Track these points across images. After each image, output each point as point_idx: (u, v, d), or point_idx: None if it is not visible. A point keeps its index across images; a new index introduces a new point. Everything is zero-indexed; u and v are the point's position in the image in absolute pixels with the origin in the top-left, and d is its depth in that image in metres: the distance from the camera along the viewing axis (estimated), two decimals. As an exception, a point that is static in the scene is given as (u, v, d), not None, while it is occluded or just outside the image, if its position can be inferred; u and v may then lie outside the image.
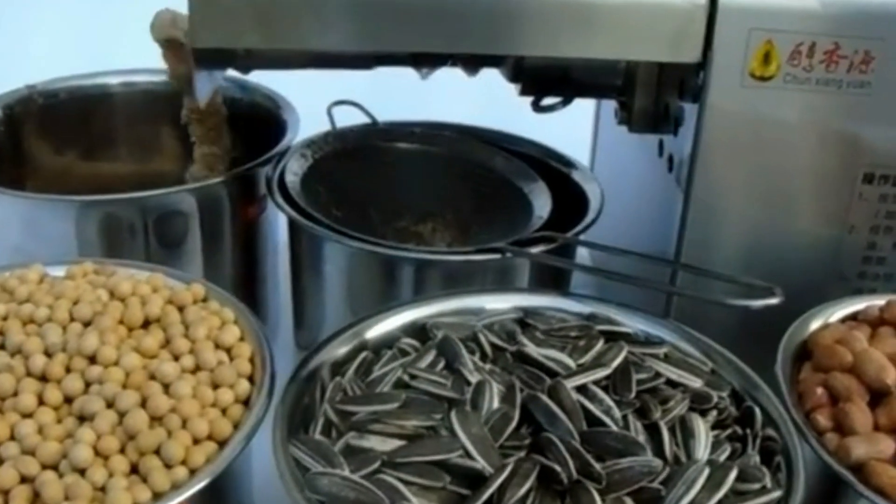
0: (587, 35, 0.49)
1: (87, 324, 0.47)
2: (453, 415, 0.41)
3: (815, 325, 0.48)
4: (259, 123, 0.67)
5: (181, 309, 0.49)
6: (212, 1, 0.49)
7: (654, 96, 0.56)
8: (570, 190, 0.62)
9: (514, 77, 0.59)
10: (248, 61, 0.55)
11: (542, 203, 0.59)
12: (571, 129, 0.67)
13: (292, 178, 0.60)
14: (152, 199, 0.59)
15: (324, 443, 0.41)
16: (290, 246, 0.62)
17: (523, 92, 0.59)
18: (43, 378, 0.44)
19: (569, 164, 0.64)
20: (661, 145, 0.57)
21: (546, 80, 0.58)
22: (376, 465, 0.39)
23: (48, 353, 0.45)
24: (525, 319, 0.49)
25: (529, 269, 0.56)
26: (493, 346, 0.46)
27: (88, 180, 0.69)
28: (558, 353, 0.45)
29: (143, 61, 0.70)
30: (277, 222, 0.65)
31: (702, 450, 0.41)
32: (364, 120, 0.67)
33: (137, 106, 0.67)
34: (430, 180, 0.65)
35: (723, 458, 0.41)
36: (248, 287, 0.64)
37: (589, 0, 0.49)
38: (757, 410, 0.43)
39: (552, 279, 0.57)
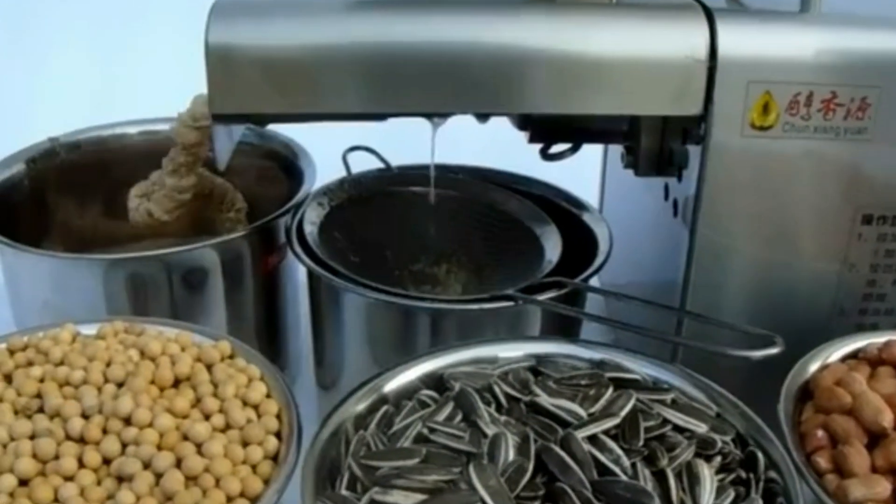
0: (594, 93, 0.53)
1: (120, 384, 0.52)
2: (471, 469, 0.45)
3: (816, 365, 0.52)
4: (276, 171, 0.71)
5: (209, 367, 0.53)
6: (229, 70, 0.53)
7: (659, 142, 0.60)
8: (581, 230, 0.66)
9: (522, 125, 0.63)
10: (265, 118, 0.59)
11: (552, 246, 0.63)
12: (580, 170, 0.71)
13: (311, 228, 0.64)
14: (175, 256, 0.63)
15: (349, 499, 0.45)
16: (310, 292, 0.66)
17: (532, 140, 0.63)
18: (81, 440, 0.48)
19: (580, 205, 0.68)
20: (666, 189, 0.60)
21: (553, 129, 0.62)
22: (402, 520, 0.43)
23: (85, 416, 0.49)
24: (538, 367, 0.53)
25: (541, 314, 0.60)
26: (507, 396, 0.50)
27: (111, 230, 0.73)
28: (570, 403, 0.49)
29: (152, 110, 0.75)
30: (296, 265, 0.70)
31: (707, 495, 0.45)
32: (377, 164, 0.71)
33: (158, 155, 0.71)
34: (444, 223, 0.70)
35: (727, 502, 0.45)
36: (269, 330, 0.69)
37: (594, 60, 0.53)
38: (760, 454, 0.47)
39: (563, 323, 0.61)
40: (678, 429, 0.48)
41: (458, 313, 0.59)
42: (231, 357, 0.54)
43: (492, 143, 0.72)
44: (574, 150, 0.63)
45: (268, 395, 0.51)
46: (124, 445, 0.48)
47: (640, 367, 0.52)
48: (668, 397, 0.50)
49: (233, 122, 0.62)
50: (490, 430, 0.47)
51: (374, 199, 0.69)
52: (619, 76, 0.53)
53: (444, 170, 0.70)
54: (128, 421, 0.49)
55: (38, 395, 0.51)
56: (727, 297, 0.57)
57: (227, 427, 0.49)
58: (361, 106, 0.54)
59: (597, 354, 0.54)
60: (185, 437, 0.48)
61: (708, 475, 0.45)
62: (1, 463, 0.47)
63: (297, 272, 0.70)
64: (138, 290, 0.64)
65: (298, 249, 0.62)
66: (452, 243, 0.69)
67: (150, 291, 0.64)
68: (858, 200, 0.54)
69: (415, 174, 0.70)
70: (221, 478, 0.46)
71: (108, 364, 0.52)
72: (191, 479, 0.46)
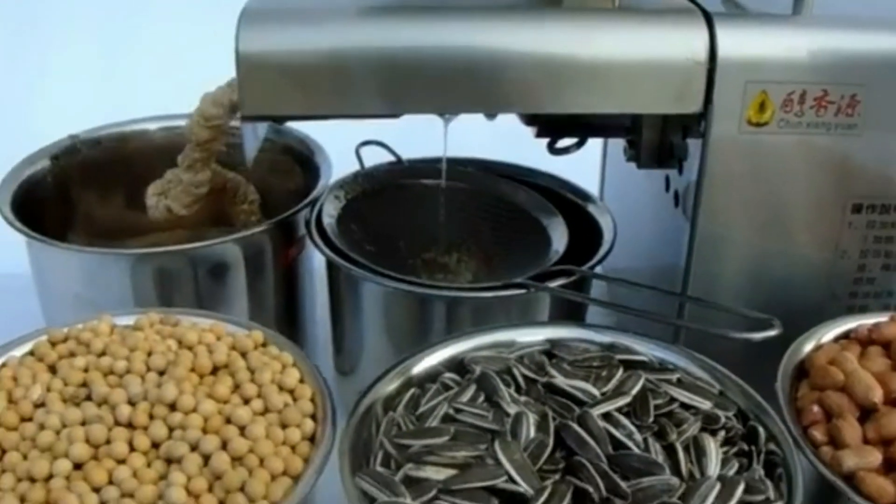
0: (599, 93, 0.57)
1: (161, 373, 0.55)
2: (496, 445, 0.49)
3: (810, 345, 0.56)
4: (292, 165, 0.75)
5: (244, 355, 0.57)
6: (258, 75, 0.57)
7: (659, 137, 0.63)
8: (585, 221, 0.70)
9: (530, 122, 0.66)
10: (290, 118, 0.62)
11: (559, 236, 0.67)
12: (581, 162, 0.75)
13: (329, 220, 0.68)
14: (200, 250, 0.67)
15: (385, 474, 0.49)
16: (329, 282, 0.69)
17: (539, 135, 0.67)
18: (129, 425, 0.52)
19: (584, 196, 0.71)
20: (667, 181, 0.64)
21: (560, 125, 0.66)
22: (433, 492, 0.47)
23: (131, 403, 0.53)
24: (552, 351, 0.57)
25: (550, 301, 0.64)
26: (525, 378, 0.54)
27: (133, 222, 0.77)
28: (584, 384, 0.53)
29: (169, 106, 0.79)
30: (313, 256, 0.73)
31: (713, 466, 0.49)
32: (389, 158, 0.75)
33: (176, 149, 0.74)
34: (454, 214, 0.73)
35: (731, 472, 0.49)
36: (288, 319, 0.72)
37: (601, 62, 0.56)
38: (760, 428, 0.51)
39: (570, 309, 0.65)
40: (684, 406, 0.53)
41: (473, 300, 0.63)
42: (264, 345, 0.58)
43: (497, 137, 0.76)
44: (580, 144, 0.66)
45: (301, 381, 0.55)
46: (170, 430, 0.51)
47: (647, 350, 0.56)
48: (674, 377, 0.54)
49: (259, 122, 0.65)
50: (511, 410, 0.51)
51: (386, 191, 0.73)
52: (624, 77, 0.57)
53: (454, 163, 0.73)
54: (172, 407, 0.52)
55: (84, 385, 0.55)
56: (725, 283, 0.61)
57: (266, 411, 0.53)
58: (382, 107, 0.57)
59: (606, 338, 0.58)
60: (228, 421, 0.52)
61: (714, 448, 0.50)
62: (56, 448, 0.50)
63: (314, 263, 0.74)
64: (164, 283, 0.67)
65: (319, 241, 0.66)
66: (462, 233, 0.73)
67: (175, 284, 0.67)
68: (848, 190, 0.58)
69: (425, 167, 0.74)
70: (265, 458, 0.49)
71: (149, 354, 0.56)
72: (236, 460, 0.49)
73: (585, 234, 0.68)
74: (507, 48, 0.56)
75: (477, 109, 0.59)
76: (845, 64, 0.56)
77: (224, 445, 0.50)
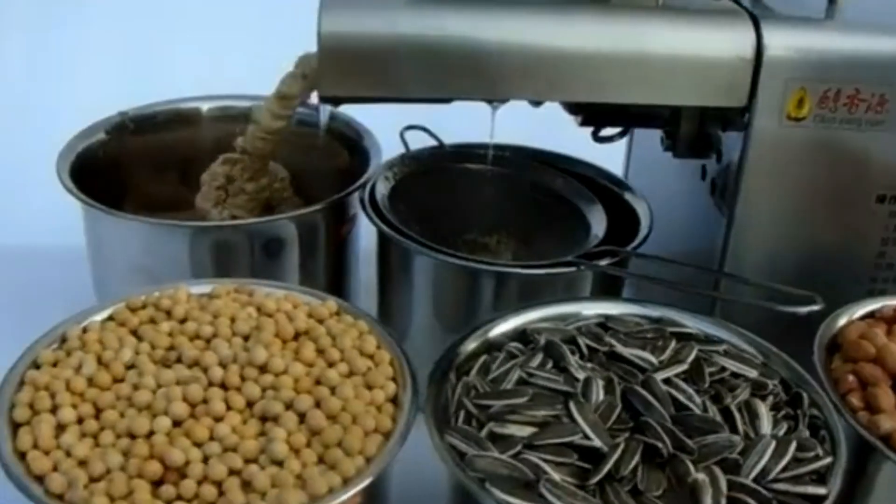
0: (654, 85, 0.62)
1: (245, 338, 0.59)
2: (572, 405, 0.53)
3: (841, 322, 0.61)
4: (340, 148, 0.78)
5: (320, 322, 0.60)
6: (339, 58, 0.60)
7: (697, 128, 0.68)
8: (620, 207, 0.75)
9: (574, 111, 0.71)
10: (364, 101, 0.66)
11: (598, 221, 0.72)
12: (606, 147, 0.80)
13: (381, 199, 0.72)
14: (257, 226, 0.70)
15: (471, 431, 0.53)
16: (380, 257, 0.74)
17: (583, 123, 0.71)
18: (222, 386, 0.55)
19: (620, 184, 0.76)
20: (703, 170, 0.69)
21: (604, 114, 0.70)
22: (519, 447, 0.51)
23: (222, 365, 0.56)
24: (607, 324, 0.62)
25: (592, 279, 0.69)
26: (588, 347, 0.59)
27: (184, 199, 0.80)
28: (643, 352, 0.58)
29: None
30: (361, 235, 0.77)
31: (766, 427, 0.54)
32: (431, 142, 0.79)
33: (227, 130, 0.78)
34: (495, 198, 0.78)
35: (781, 433, 0.54)
36: (338, 292, 0.75)
37: (656, 57, 0.61)
38: (804, 394, 0.56)
39: (611, 288, 0.70)
40: (733, 374, 0.58)
41: (522, 277, 0.67)
42: (338, 314, 0.61)
43: (534, 124, 0.80)
44: (623, 133, 0.71)
45: (378, 347, 0.59)
46: (262, 391, 0.55)
47: (693, 323, 0.61)
48: (721, 348, 0.60)
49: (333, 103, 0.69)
50: (580, 375, 0.56)
51: (431, 174, 0.77)
52: (677, 72, 0.62)
53: (495, 148, 0.77)
54: (262, 369, 0.56)
55: (171, 348, 0.58)
56: (757, 264, 0.66)
57: (351, 374, 0.57)
58: (459, 91, 0.62)
59: (655, 312, 0.63)
60: (318, 382, 0.55)
61: (764, 411, 0.55)
62: (155, 406, 0.53)
63: (361, 242, 0.78)
64: (221, 256, 0.71)
65: (375, 217, 0.70)
66: (503, 217, 0.78)
67: (232, 257, 0.71)
68: (873, 182, 0.64)
69: (467, 152, 0.78)
70: (357, 416, 0.53)
71: (232, 320, 0.59)
72: (330, 418, 0.53)
73: (620, 220, 0.73)
74: (573, 42, 0.61)
75: (544, 97, 0.63)
76: (877, 66, 0.61)
77: (317, 404, 0.54)
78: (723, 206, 0.66)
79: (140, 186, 0.81)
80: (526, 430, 0.53)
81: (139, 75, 1.00)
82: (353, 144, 0.79)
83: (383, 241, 0.71)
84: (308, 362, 0.57)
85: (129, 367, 0.57)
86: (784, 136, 0.62)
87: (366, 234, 0.76)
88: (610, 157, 0.84)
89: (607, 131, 0.72)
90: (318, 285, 0.74)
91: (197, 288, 0.64)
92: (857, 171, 0.64)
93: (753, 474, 0.51)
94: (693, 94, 0.62)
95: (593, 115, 0.71)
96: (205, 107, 0.83)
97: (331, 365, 0.57)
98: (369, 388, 0.56)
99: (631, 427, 0.53)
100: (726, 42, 0.61)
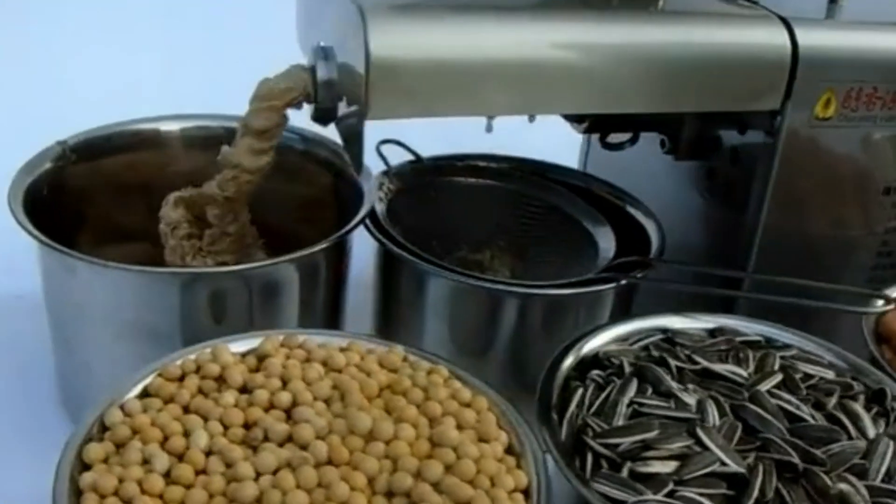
0: (692, 92, 0.61)
1: (325, 401, 0.51)
2: (700, 432, 0.52)
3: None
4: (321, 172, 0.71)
5: (394, 371, 0.54)
6: (390, 78, 0.54)
7: (700, 131, 0.69)
8: (615, 215, 0.73)
9: (578, 118, 0.69)
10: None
11: (601, 232, 0.70)
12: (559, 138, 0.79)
13: (383, 220, 0.67)
14: (256, 271, 0.63)
15: (615, 475, 0.50)
16: (386, 279, 0.69)
17: (588, 130, 0.69)
18: (329, 463, 0.48)
19: (616, 192, 0.75)
20: (710, 172, 0.69)
21: (611, 121, 0.69)
22: (671, 485, 0.49)
23: (320, 438, 0.49)
24: (674, 339, 0.60)
25: (613, 297, 0.67)
26: (677, 367, 0.57)
27: (144, 229, 0.70)
28: (733, 366, 0.57)
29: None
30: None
31: (870, 428, 0.55)
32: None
33: (185, 150, 0.69)
34: (479, 211, 0.74)
35: (882, 431, 0.55)
36: (335, 323, 0.70)
37: (695, 63, 0.60)
38: (888, 389, 0.58)
39: (625, 305, 0.68)
40: (819, 379, 0.58)
41: (549, 297, 0.64)
42: (404, 359, 0.56)
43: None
44: (633, 140, 0.70)
45: (473, 393, 0.54)
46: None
47: (750, 329, 0.61)
48: (791, 353, 0.60)
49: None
50: (689, 399, 0.54)
51: (415, 191, 0.72)
52: (716, 77, 0.61)
53: (475, 159, 0.73)
54: (366, 437, 0.49)
55: (247, 425, 0.50)
56: (776, 261, 0.67)
57: (460, 427, 0.51)
58: (511, 107, 0.57)
59: (709, 323, 0.62)
60: (433, 444, 0.49)
61: (862, 412, 0.56)
62: (269, 500, 0.45)
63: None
64: (217, 304, 0.62)
65: (385, 241, 0.66)
66: (492, 231, 0.74)
67: (228, 304, 0.62)
68: (882, 175, 0.67)
69: (448, 165, 0.74)
70: (494, 476, 0.48)
71: (308, 383, 0.52)
72: (467, 482, 0.48)
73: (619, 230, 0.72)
74: (615, 53, 0.59)
75: (589, 109, 0.61)
76: (892, 64, 0.64)
77: (448, 469, 0.48)
78: (744, 207, 0.66)
79: (93, 219, 0.70)
80: (668, 466, 0.50)
81: (72, 98, 0.86)
82: (332, 166, 0.71)
83: (391, 264, 0.67)
84: (412, 421, 0.51)
85: (208, 453, 0.48)
86: (812, 136, 0.64)
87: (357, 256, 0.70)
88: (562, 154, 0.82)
89: (615, 138, 0.70)
90: (317, 321, 0.68)
91: (235, 345, 0.55)
92: (869, 165, 0.67)
93: (880, 477, 0.52)
94: (733, 100, 0.62)
95: (599, 122, 0.69)
96: (161, 127, 0.73)
97: (431, 420, 0.51)
98: (482, 440, 0.51)
99: (757, 446, 0.53)
100: (763, 46, 0.61)
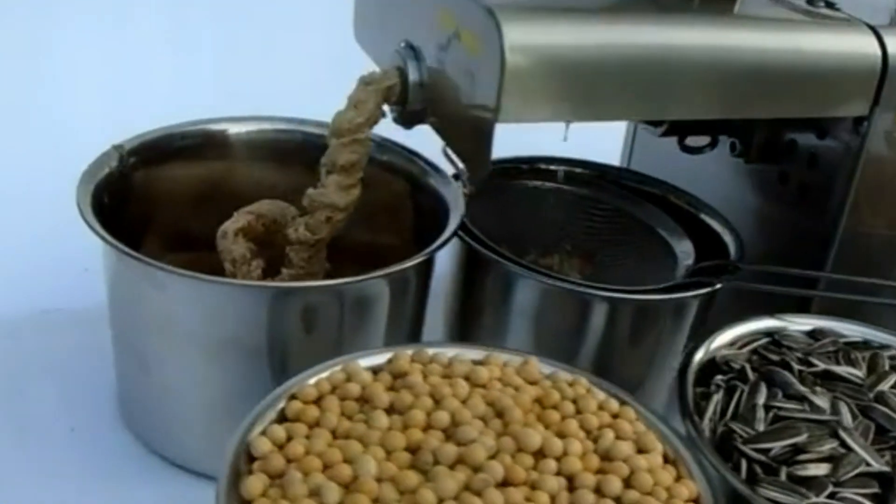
0: (786, 98, 0.62)
1: (481, 418, 0.49)
2: (843, 434, 0.52)
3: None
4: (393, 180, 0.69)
5: (533, 384, 0.53)
6: (524, 79, 0.53)
7: (770, 136, 0.69)
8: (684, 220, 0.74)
9: (655, 122, 0.68)
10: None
11: (674, 235, 0.71)
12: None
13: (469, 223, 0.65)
14: (349, 286, 0.60)
15: (777, 479, 0.50)
16: (468, 283, 0.68)
17: (665, 134, 0.69)
18: (504, 484, 0.46)
19: (688, 198, 0.75)
20: (783, 176, 0.70)
21: (688, 124, 0.69)
22: (831, 487, 0.50)
23: (491, 458, 0.47)
24: (781, 342, 0.61)
25: (698, 302, 0.67)
26: (799, 370, 0.58)
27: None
28: (850, 368, 0.58)
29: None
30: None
31: None
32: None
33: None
34: (545, 214, 0.73)
35: None
36: (416, 332, 0.68)
37: (790, 68, 0.61)
38: None
39: (707, 311, 0.68)
40: (921, 374, 0.60)
41: (638, 303, 0.64)
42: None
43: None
44: (713, 145, 0.70)
45: (622, 403, 0.53)
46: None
47: (848, 331, 0.63)
48: (890, 353, 0.61)
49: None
50: (822, 402, 0.55)
51: (483, 193, 0.70)
52: (811, 83, 0.62)
53: (540, 161, 0.73)
54: (536, 454, 0.48)
55: (409, 449, 0.47)
56: (854, 263, 0.69)
57: (618, 438, 0.50)
58: (643, 113, 0.57)
59: (805, 326, 0.63)
60: (601, 457, 0.48)
61: (977, 406, 0.58)
62: (457, 529, 0.44)
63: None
64: (308, 319, 0.59)
65: (474, 244, 0.65)
66: (558, 234, 0.74)
67: (318, 320, 0.60)
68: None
69: (512, 167, 0.73)
70: (669, 487, 0.48)
71: (463, 400, 0.50)
72: (647, 495, 0.47)
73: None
74: (730, 53, 0.59)
75: (703, 115, 0.60)
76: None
77: (626, 483, 0.47)
78: (823, 210, 0.68)
79: (155, 226, 0.67)
80: (822, 468, 0.51)
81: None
82: (405, 171, 0.69)
83: (476, 267, 0.66)
84: (574, 436, 0.49)
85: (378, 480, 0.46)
86: (892, 140, 0.65)
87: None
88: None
89: (693, 141, 0.70)
90: (403, 332, 0.66)
91: (364, 361, 0.53)
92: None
93: None
94: (821, 106, 0.63)
95: (678, 126, 0.69)
96: (228, 129, 0.69)
97: (592, 435, 0.50)
98: (641, 451, 0.50)
99: (891, 445, 0.54)
100: (855, 54, 0.62)
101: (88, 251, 0.73)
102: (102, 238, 0.58)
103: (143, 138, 0.67)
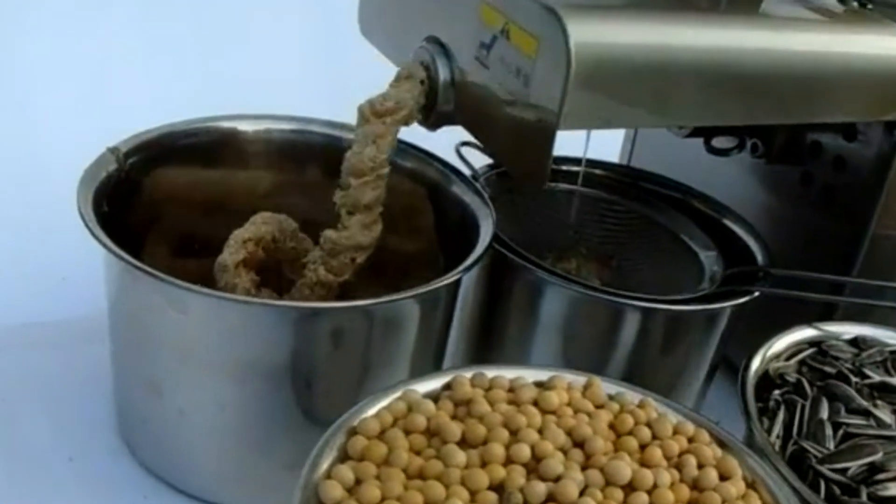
0: (832, 102, 0.60)
1: (561, 449, 0.46)
2: (909, 446, 0.51)
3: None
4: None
5: (600, 407, 0.50)
6: (592, 85, 0.50)
7: (802, 138, 0.68)
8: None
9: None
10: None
11: (697, 241, 0.69)
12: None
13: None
14: (377, 306, 0.56)
15: (859, 501, 0.48)
16: (492, 291, 0.65)
17: (691, 135, 0.67)
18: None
19: (708, 201, 0.73)
20: (806, 176, 0.69)
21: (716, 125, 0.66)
22: (913, 507, 0.48)
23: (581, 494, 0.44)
24: (829, 352, 0.59)
25: (729, 312, 0.64)
26: (857, 382, 0.56)
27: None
28: (903, 377, 0.57)
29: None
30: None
31: None
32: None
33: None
34: (561, 217, 0.70)
35: None
36: (443, 352, 0.64)
37: (839, 72, 0.59)
38: None
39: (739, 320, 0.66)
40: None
41: (671, 312, 0.61)
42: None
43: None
44: (741, 147, 0.68)
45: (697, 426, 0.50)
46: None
47: (887, 339, 0.62)
48: (931, 358, 0.61)
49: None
50: (884, 415, 0.54)
51: (499, 195, 0.67)
52: (850, 88, 0.60)
53: (556, 162, 0.69)
54: (625, 488, 0.45)
55: (493, 488, 0.44)
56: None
57: (700, 465, 0.48)
58: (703, 118, 0.54)
59: (849, 333, 0.62)
60: (690, 487, 0.46)
61: None
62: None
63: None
64: (335, 339, 0.55)
65: (501, 249, 0.62)
66: (574, 237, 0.71)
67: (346, 339, 0.55)
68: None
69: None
70: (763, 515, 0.45)
71: (539, 430, 0.46)
72: (743, 525, 0.45)
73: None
74: (782, 57, 0.57)
75: (753, 120, 0.58)
76: None
77: (718, 516, 0.45)
78: (851, 214, 0.66)
79: (155, 233, 0.61)
80: (903, 488, 0.49)
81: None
82: (421, 175, 0.65)
83: (503, 274, 0.62)
84: (662, 465, 0.46)
85: (464, 521, 0.42)
86: (919, 145, 0.65)
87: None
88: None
89: (720, 142, 0.68)
90: (430, 351, 0.61)
91: (420, 386, 0.49)
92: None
93: None
94: (866, 110, 0.61)
95: (706, 126, 0.66)
96: (236, 126, 0.64)
97: (673, 462, 0.47)
98: (726, 478, 0.47)
99: (952, 458, 0.53)
100: (891, 56, 0.61)
101: (66, 259, 0.68)
102: (112, 252, 0.52)
103: (140, 138, 0.61)
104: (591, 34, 0.50)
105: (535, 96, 0.52)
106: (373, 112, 0.58)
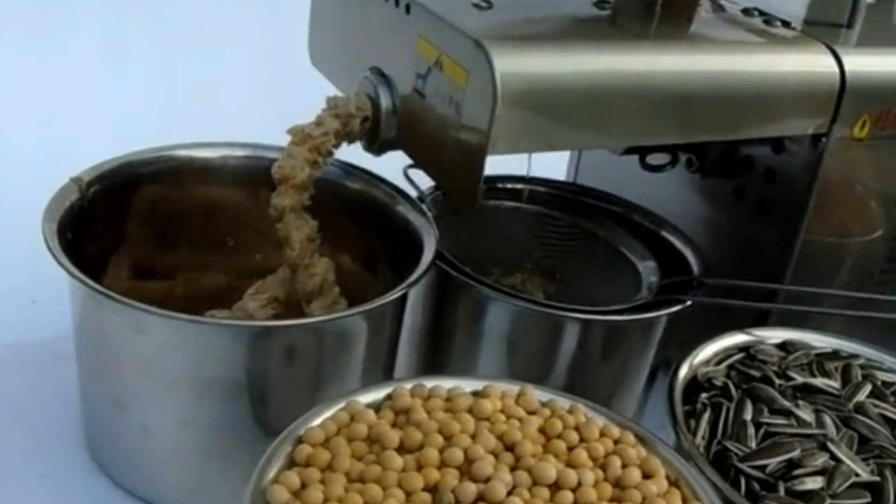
0: (756, 119, 0.64)
1: (493, 453, 0.50)
2: (832, 447, 0.55)
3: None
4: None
5: (532, 413, 0.53)
6: (517, 112, 0.53)
7: (735, 152, 0.72)
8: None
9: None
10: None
11: (635, 251, 0.72)
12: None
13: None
14: (326, 323, 0.60)
15: (780, 496, 0.52)
16: (438, 306, 0.68)
17: (626, 152, 0.70)
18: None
19: (645, 213, 0.77)
20: (739, 190, 0.73)
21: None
22: (828, 500, 0.52)
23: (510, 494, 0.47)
24: (756, 356, 0.63)
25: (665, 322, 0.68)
26: (779, 384, 0.60)
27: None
28: (826, 380, 0.61)
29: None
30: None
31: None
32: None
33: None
34: (506, 233, 0.74)
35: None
36: (392, 365, 0.67)
37: (762, 92, 0.63)
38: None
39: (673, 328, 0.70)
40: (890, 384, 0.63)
41: (609, 323, 0.65)
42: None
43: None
44: (674, 163, 0.72)
45: (622, 428, 0.54)
46: (563, 510, 0.48)
47: (820, 343, 0.65)
48: (859, 362, 0.64)
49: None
50: (806, 415, 0.57)
51: (444, 214, 0.70)
52: (778, 105, 0.64)
53: (499, 181, 0.73)
54: (551, 487, 0.48)
55: (428, 489, 0.47)
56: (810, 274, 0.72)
57: (624, 465, 0.51)
58: (630, 139, 0.58)
59: (774, 339, 0.65)
60: (615, 486, 0.49)
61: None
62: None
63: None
64: (288, 355, 0.59)
65: (447, 268, 0.65)
66: (519, 253, 0.74)
67: (297, 355, 0.59)
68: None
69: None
70: (685, 512, 0.49)
71: (473, 436, 0.50)
72: (667, 521, 0.48)
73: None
74: (707, 77, 0.61)
75: (682, 138, 0.62)
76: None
77: (643, 513, 0.48)
78: (781, 224, 0.70)
79: (125, 254, 0.65)
80: (818, 482, 0.53)
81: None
82: (379, 204, 0.69)
83: (447, 290, 0.66)
84: (587, 466, 0.50)
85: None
86: (850, 157, 0.68)
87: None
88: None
89: (655, 159, 0.72)
90: (379, 365, 0.65)
91: (363, 397, 0.52)
92: (888, 178, 0.72)
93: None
94: (790, 126, 0.66)
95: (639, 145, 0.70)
96: (190, 154, 0.68)
97: (599, 462, 0.51)
98: (648, 476, 0.51)
99: (874, 454, 0.56)
100: (817, 73, 0.65)
101: (36, 283, 0.71)
102: (76, 277, 0.55)
103: (102, 168, 0.65)
104: (516, 65, 0.54)
105: (466, 123, 0.55)
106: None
